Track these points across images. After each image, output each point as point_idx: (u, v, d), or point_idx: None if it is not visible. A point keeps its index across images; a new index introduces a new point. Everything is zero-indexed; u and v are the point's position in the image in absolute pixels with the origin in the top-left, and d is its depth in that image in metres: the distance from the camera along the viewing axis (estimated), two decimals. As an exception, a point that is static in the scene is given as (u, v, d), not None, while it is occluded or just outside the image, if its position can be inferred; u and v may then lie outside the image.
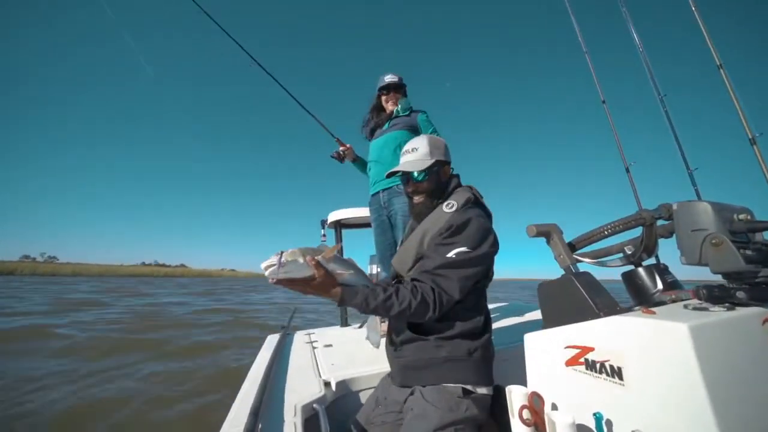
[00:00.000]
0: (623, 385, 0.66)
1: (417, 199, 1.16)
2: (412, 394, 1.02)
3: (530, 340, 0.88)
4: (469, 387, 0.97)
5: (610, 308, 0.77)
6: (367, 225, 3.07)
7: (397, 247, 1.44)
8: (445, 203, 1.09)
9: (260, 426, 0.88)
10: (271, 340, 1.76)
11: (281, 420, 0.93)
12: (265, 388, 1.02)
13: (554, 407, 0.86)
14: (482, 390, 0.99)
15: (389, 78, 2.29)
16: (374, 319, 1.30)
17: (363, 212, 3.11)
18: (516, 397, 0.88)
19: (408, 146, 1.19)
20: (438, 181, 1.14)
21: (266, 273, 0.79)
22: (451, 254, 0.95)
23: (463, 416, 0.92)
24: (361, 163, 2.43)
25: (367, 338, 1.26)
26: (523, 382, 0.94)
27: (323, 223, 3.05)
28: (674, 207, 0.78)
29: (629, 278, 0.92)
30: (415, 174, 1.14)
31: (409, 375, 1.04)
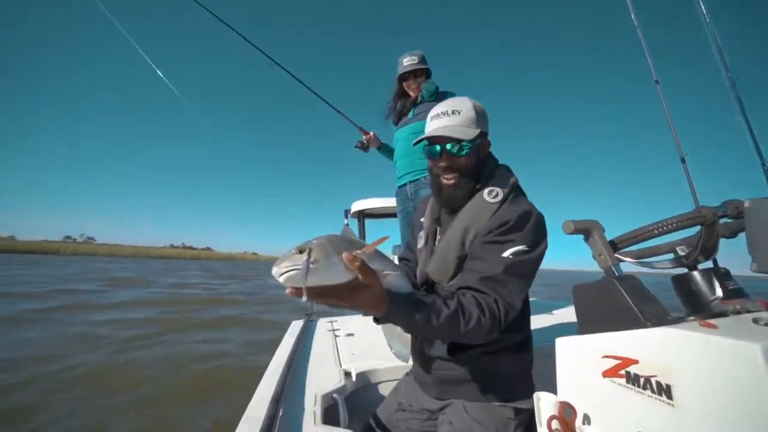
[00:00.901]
0: (672, 405, 0.59)
1: (448, 179, 0.91)
2: (449, 404, 0.93)
3: (563, 344, 0.81)
4: (519, 405, 0.88)
5: (659, 318, 0.69)
6: (391, 215, 3.02)
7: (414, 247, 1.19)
8: (487, 190, 0.89)
9: (281, 412, 0.89)
10: (295, 327, 1.80)
11: (302, 408, 0.94)
12: (287, 376, 1.04)
13: (587, 420, 0.79)
14: (527, 405, 0.89)
15: (408, 61, 2.09)
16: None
17: (387, 202, 3.04)
18: (545, 405, 0.82)
19: (444, 106, 0.91)
20: (478, 158, 0.91)
21: (282, 279, 0.52)
22: (508, 254, 0.77)
23: None
24: (386, 150, 2.35)
25: (393, 351, 0.98)
26: (549, 386, 0.88)
27: (346, 212, 3.05)
28: (746, 204, 0.67)
29: (681, 283, 0.82)
30: (450, 147, 0.88)
31: (448, 389, 0.94)
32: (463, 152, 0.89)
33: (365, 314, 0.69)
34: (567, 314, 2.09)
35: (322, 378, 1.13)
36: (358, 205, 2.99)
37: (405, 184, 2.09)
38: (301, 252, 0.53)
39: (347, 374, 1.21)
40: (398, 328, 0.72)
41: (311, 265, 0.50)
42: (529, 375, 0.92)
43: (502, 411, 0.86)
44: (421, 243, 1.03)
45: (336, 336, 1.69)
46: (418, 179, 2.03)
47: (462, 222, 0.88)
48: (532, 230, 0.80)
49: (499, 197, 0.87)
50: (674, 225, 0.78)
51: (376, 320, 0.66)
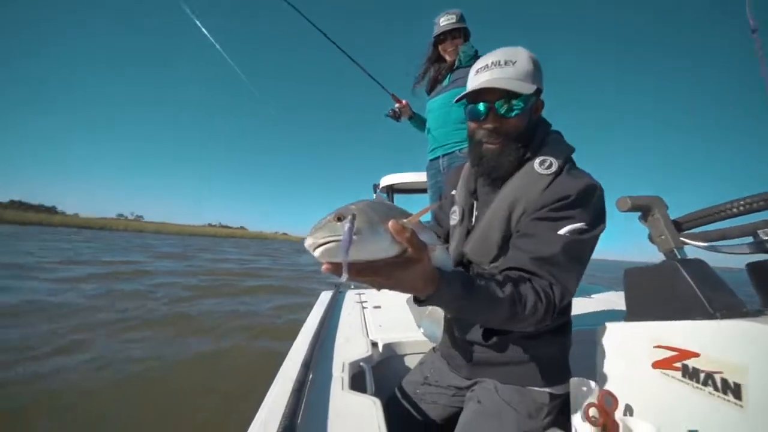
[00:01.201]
0: (741, 406, 0.52)
1: (493, 144, 0.79)
2: (479, 382, 0.89)
3: (608, 330, 0.75)
4: (554, 391, 0.82)
5: (732, 309, 0.60)
6: (422, 191, 2.91)
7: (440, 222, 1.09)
8: (538, 160, 0.77)
9: (311, 376, 0.92)
10: (324, 297, 1.84)
11: (330, 374, 0.96)
12: (316, 343, 1.06)
13: (628, 410, 0.74)
14: (562, 390, 0.83)
15: (444, 21, 1.88)
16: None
17: (418, 177, 2.89)
18: (582, 392, 0.78)
19: (495, 56, 0.77)
20: (529, 120, 0.79)
21: (319, 253, 0.42)
22: (564, 232, 0.68)
23: (541, 424, 0.79)
24: (418, 120, 2.19)
25: (423, 332, 0.87)
26: (584, 372, 0.83)
27: (375, 187, 2.99)
28: None
29: (761, 271, 0.71)
30: (500, 105, 0.75)
31: (479, 370, 0.90)
32: (514, 112, 0.75)
33: (414, 295, 0.56)
34: (607, 299, 1.96)
35: (350, 347, 1.14)
36: (387, 180, 2.89)
37: (438, 158, 1.95)
38: (340, 219, 0.42)
39: (374, 345, 1.22)
40: (429, 307, 0.65)
41: (354, 236, 0.41)
42: (566, 360, 0.86)
43: (536, 395, 0.82)
44: (454, 219, 0.94)
45: (364, 308, 1.71)
46: (452, 152, 1.88)
47: (508, 195, 0.78)
48: (594, 206, 0.70)
49: (553, 168, 0.75)
50: (761, 203, 0.66)
51: (419, 301, 0.57)
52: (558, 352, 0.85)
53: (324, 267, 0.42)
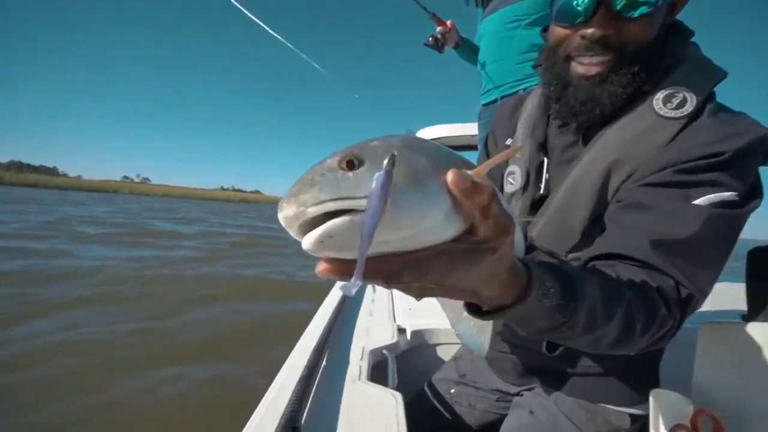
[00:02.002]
0: None
1: (592, 65, 0.54)
2: (532, 389, 0.73)
3: (715, 331, 0.55)
4: (637, 411, 0.63)
5: None
6: (471, 147, 2.30)
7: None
8: (663, 94, 0.53)
9: (324, 363, 0.83)
10: None
11: (346, 361, 0.86)
12: (332, 325, 0.97)
13: (742, 441, 0.53)
14: (647, 410, 0.63)
15: None
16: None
17: (465, 129, 2.20)
18: (670, 409, 0.58)
19: None
20: (661, 27, 0.53)
21: (312, 242, 0.22)
22: (703, 203, 0.45)
23: None
24: (467, 49, 1.66)
25: (461, 339, 0.49)
26: (674, 383, 0.63)
27: None
28: None
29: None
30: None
31: (534, 378, 0.73)
32: (640, 10, 0.49)
33: (490, 305, 0.33)
34: (716, 290, 1.60)
35: (373, 332, 1.04)
36: (427, 134, 2.28)
37: (494, 101, 1.53)
38: (353, 165, 0.23)
39: (401, 331, 1.10)
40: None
41: (394, 188, 0.22)
42: (656, 372, 0.66)
43: (611, 415, 0.63)
44: (511, 185, 0.68)
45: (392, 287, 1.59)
46: (515, 92, 1.44)
47: (606, 151, 0.54)
48: (753, 170, 0.48)
49: (687, 108, 0.50)
50: None
51: (483, 313, 0.34)
52: (647, 362, 0.64)
53: (321, 267, 0.23)
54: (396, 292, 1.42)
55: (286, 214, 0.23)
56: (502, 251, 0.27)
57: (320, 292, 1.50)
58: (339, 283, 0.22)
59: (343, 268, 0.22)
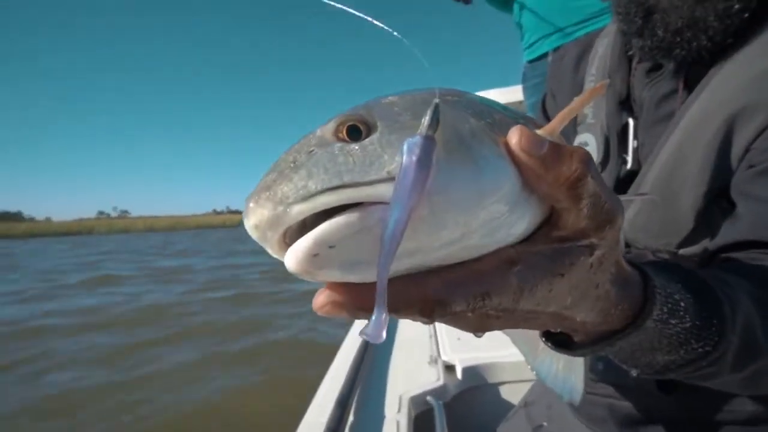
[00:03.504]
0: None
1: None
2: None
3: None
4: None
5: None
6: None
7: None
8: None
9: (351, 420, 0.67)
10: None
11: (380, 415, 0.70)
12: (359, 369, 0.81)
13: None
14: None
15: None
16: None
17: (509, 95, 1.91)
18: None
19: None
20: None
21: (299, 255, 0.15)
22: None
23: None
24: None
25: (544, 380, 0.40)
26: None
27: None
28: None
29: None
30: None
31: (645, 429, 0.55)
32: None
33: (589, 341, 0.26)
34: None
35: (412, 373, 0.89)
36: None
37: (543, 55, 1.23)
38: (353, 134, 0.17)
39: (449, 368, 0.94)
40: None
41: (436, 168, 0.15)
42: None
43: None
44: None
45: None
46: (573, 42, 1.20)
47: (729, 94, 0.42)
48: None
49: None
50: None
51: (576, 346, 0.26)
52: None
53: (320, 299, 0.16)
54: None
55: (256, 220, 0.16)
56: (604, 250, 0.20)
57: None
58: (359, 324, 0.17)
59: (356, 299, 0.16)
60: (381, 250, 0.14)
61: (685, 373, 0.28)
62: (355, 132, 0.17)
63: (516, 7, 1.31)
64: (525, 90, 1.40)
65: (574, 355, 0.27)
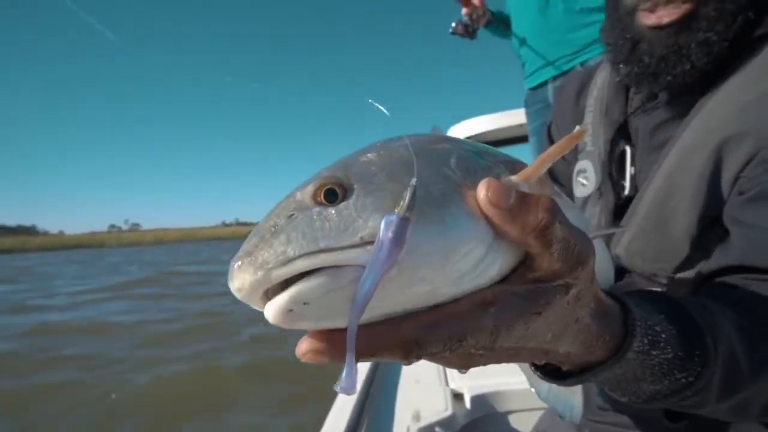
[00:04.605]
0: None
1: (665, 14, 0.44)
2: None
3: None
4: None
5: None
6: (517, 140, 2.00)
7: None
8: None
9: None
10: None
11: (387, 448, 0.67)
12: (365, 399, 0.80)
13: None
14: None
15: None
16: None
17: (508, 119, 1.86)
18: None
19: None
20: None
21: (275, 311, 0.17)
22: None
23: None
24: (500, 25, 1.43)
25: (545, 401, 0.42)
26: None
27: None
28: None
29: None
30: None
31: None
32: None
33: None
34: None
35: (419, 402, 0.86)
36: (460, 130, 1.93)
37: (544, 83, 1.29)
38: (330, 197, 0.19)
39: (457, 397, 0.92)
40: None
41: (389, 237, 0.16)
42: None
43: None
44: (584, 186, 0.57)
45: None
46: (571, 69, 1.19)
47: (718, 121, 0.43)
48: None
49: None
50: None
51: (564, 375, 0.27)
52: None
53: (303, 347, 0.18)
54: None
55: (239, 284, 0.17)
56: (579, 288, 0.21)
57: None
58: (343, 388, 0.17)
59: (335, 345, 0.17)
60: (351, 309, 0.16)
61: (671, 402, 0.29)
62: (332, 195, 0.18)
63: (515, 40, 1.39)
64: (528, 115, 1.48)
65: (563, 385, 0.27)
